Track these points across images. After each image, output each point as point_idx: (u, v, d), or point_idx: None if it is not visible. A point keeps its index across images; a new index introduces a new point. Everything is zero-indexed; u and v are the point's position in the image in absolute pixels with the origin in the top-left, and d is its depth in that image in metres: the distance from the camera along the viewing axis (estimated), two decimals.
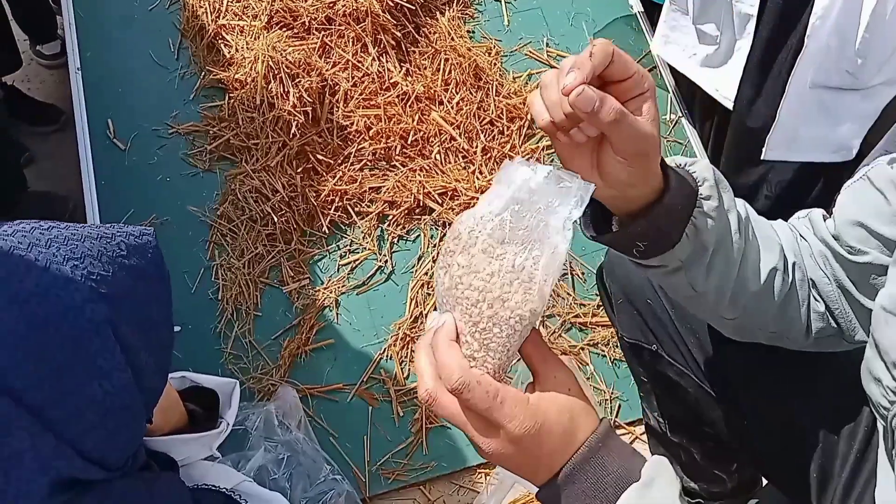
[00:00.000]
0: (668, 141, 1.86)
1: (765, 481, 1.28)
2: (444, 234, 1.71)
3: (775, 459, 0.96)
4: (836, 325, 0.83)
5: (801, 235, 0.85)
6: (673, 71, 1.89)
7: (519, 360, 0.64)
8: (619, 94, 0.61)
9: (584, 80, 0.58)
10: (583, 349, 1.63)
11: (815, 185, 1.63)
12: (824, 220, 0.85)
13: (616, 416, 1.60)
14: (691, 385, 1.03)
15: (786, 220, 1.76)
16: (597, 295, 1.69)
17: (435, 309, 0.67)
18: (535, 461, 0.59)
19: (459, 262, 0.60)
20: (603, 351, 1.64)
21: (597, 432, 0.60)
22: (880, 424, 0.71)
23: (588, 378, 1.61)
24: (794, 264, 0.81)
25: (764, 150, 1.55)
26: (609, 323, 1.66)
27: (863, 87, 1.46)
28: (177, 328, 1.54)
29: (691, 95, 1.86)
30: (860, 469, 0.83)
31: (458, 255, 0.61)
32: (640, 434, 1.59)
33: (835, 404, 0.88)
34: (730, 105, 1.62)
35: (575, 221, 0.59)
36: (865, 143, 1.57)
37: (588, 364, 1.63)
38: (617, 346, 1.64)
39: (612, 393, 1.61)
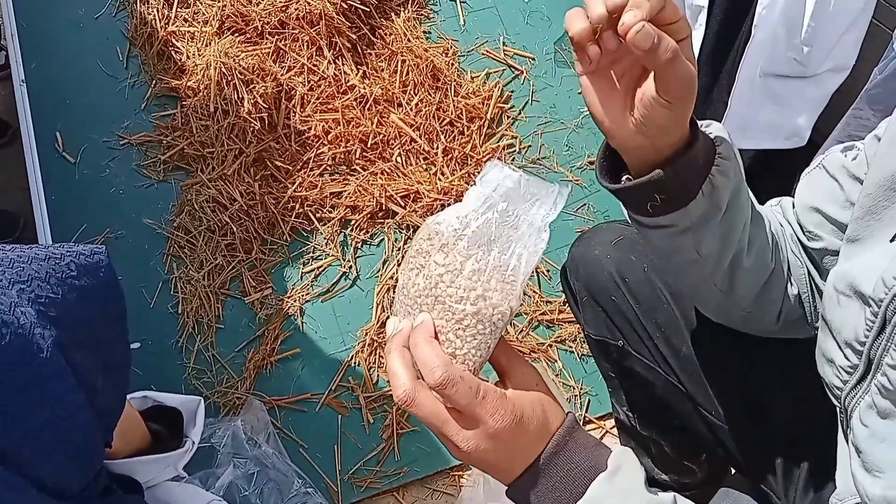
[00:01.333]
0: None
1: (733, 471, 1.30)
2: (409, 237, 1.70)
3: (743, 448, 0.97)
4: (802, 310, 0.85)
5: (778, 221, 0.87)
6: None
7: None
8: (676, 31, 0.60)
9: (642, 19, 0.56)
10: (550, 346, 1.64)
11: (770, 172, 1.66)
12: (792, 209, 0.87)
13: (586, 411, 1.60)
14: (659, 379, 1.04)
15: None
16: (563, 292, 1.69)
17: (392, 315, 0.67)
18: (511, 455, 0.60)
19: (437, 261, 0.61)
20: (570, 347, 1.64)
21: (563, 426, 0.61)
22: (836, 406, 0.73)
23: (557, 374, 1.62)
24: (776, 244, 0.82)
25: None
26: (576, 319, 1.67)
27: (811, 75, 1.49)
28: (136, 345, 1.50)
29: None
30: (823, 454, 0.84)
31: (435, 254, 0.61)
32: (611, 428, 1.60)
33: (798, 392, 0.90)
34: None
35: (551, 222, 0.60)
36: (816, 130, 1.60)
37: (556, 361, 1.63)
38: (584, 342, 1.65)
39: (581, 388, 1.61)
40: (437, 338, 0.60)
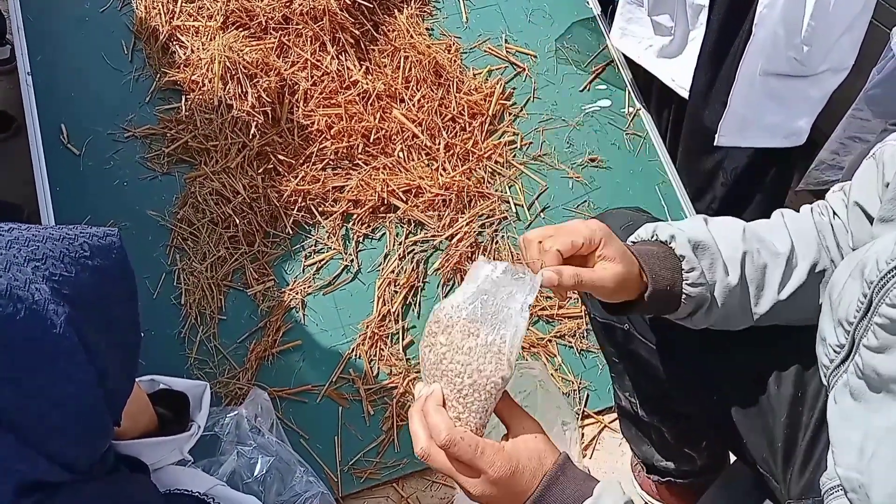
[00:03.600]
0: (627, 134, 1.89)
1: (732, 459, 1.31)
2: (410, 232, 1.71)
3: (745, 432, 0.98)
4: None
5: (834, 213, 0.89)
6: (630, 63, 1.92)
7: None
8: (584, 252, 0.79)
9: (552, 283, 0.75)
10: (550, 341, 1.65)
11: (769, 170, 1.68)
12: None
13: (584, 406, 1.61)
14: (663, 363, 1.04)
15: (743, 206, 1.79)
16: None
17: (420, 381, 0.82)
18: (511, 497, 0.71)
19: (441, 342, 0.74)
20: (570, 342, 1.66)
21: (555, 465, 0.72)
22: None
23: (556, 369, 1.63)
24: (818, 253, 0.87)
25: (716, 136, 1.59)
26: (575, 315, 1.68)
27: (810, 74, 1.51)
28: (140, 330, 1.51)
29: (648, 86, 1.89)
30: (819, 436, 0.85)
31: (440, 335, 0.74)
32: (609, 423, 1.62)
33: (801, 376, 0.91)
34: (685, 94, 1.65)
35: (530, 305, 0.74)
36: (815, 128, 1.61)
37: (556, 355, 1.64)
38: (584, 337, 1.67)
39: (580, 383, 1.63)
40: (444, 404, 0.74)
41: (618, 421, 1.47)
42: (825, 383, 0.73)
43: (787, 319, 0.89)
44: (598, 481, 0.72)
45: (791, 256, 0.86)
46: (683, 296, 0.83)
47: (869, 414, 0.64)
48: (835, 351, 0.70)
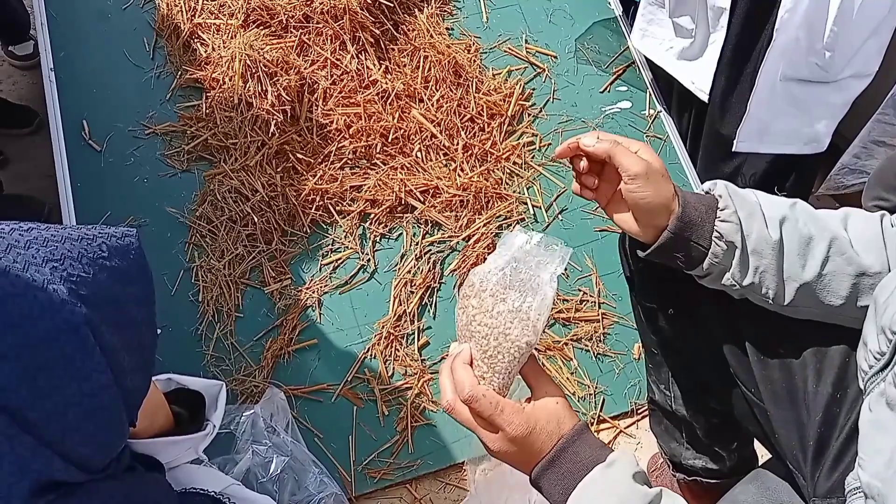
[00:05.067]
0: (648, 136, 1.88)
1: (761, 460, 1.30)
2: (427, 232, 1.71)
3: (777, 426, 0.97)
4: None
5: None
6: (651, 65, 1.90)
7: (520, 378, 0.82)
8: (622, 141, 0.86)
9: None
10: (566, 344, 1.64)
11: (788, 177, 1.66)
12: None
13: (600, 411, 1.60)
14: (704, 353, 1.03)
15: None
16: (579, 290, 1.70)
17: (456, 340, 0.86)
18: (527, 456, 0.76)
19: (473, 304, 0.79)
20: (586, 346, 1.65)
21: (572, 430, 0.76)
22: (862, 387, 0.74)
23: (572, 373, 1.62)
24: (878, 273, 0.86)
25: (735, 141, 1.57)
26: (592, 318, 1.67)
27: (832, 80, 1.48)
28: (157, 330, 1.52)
29: (669, 89, 1.87)
30: (853, 439, 0.84)
31: (472, 298, 0.79)
32: (626, 427, 1.60)
33: (843, 377, 0.89)
34: (705, 97, 1.63)
35: (559, 275, 0.78)
36: (838, 134, 1.59)
37: (572, 359, 1.63)
38: (601, 341, 1.65)
39: (596, 387, 1.62)
40: (472, 363, 0.78)
41: (647, 417, 1.45)
42: (861, 387, 0.73)
43: (822, 311, 0.88)
44: (613, 450, 0.75)
45: (838, 238, 0.85)
46: (715, 233, 0.85)
47: None
48: (875, 357, 0.70)
